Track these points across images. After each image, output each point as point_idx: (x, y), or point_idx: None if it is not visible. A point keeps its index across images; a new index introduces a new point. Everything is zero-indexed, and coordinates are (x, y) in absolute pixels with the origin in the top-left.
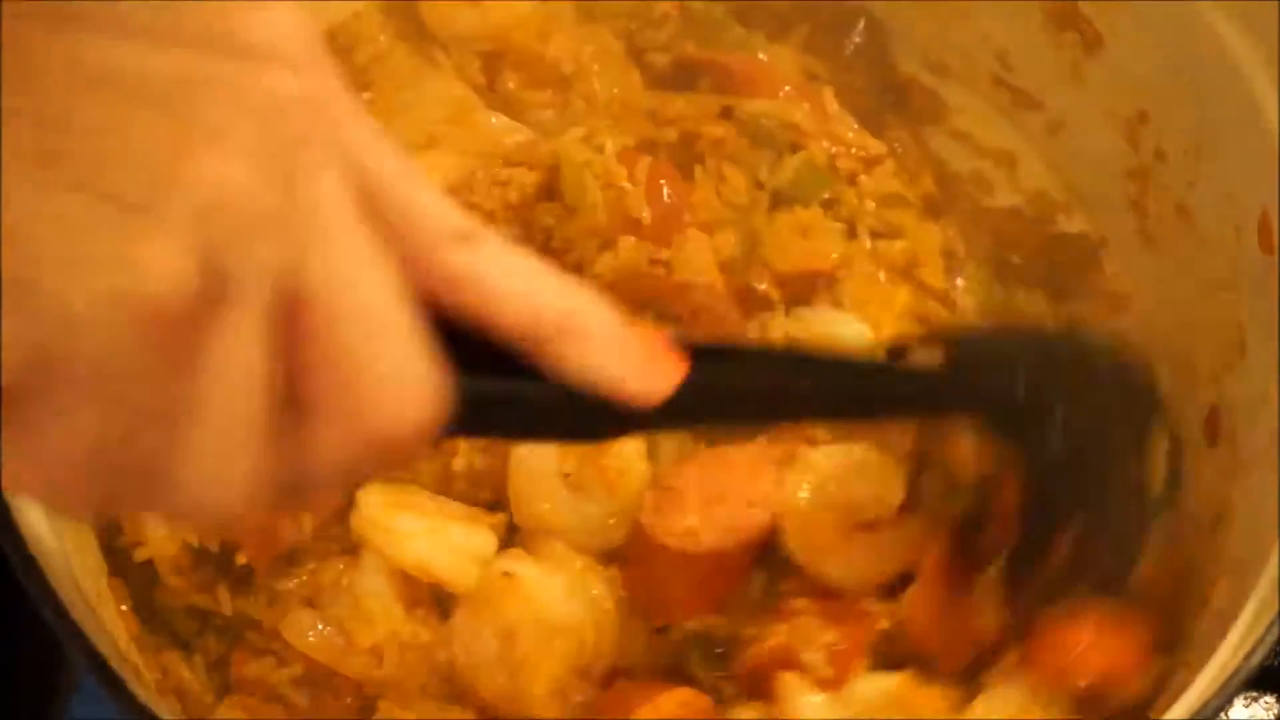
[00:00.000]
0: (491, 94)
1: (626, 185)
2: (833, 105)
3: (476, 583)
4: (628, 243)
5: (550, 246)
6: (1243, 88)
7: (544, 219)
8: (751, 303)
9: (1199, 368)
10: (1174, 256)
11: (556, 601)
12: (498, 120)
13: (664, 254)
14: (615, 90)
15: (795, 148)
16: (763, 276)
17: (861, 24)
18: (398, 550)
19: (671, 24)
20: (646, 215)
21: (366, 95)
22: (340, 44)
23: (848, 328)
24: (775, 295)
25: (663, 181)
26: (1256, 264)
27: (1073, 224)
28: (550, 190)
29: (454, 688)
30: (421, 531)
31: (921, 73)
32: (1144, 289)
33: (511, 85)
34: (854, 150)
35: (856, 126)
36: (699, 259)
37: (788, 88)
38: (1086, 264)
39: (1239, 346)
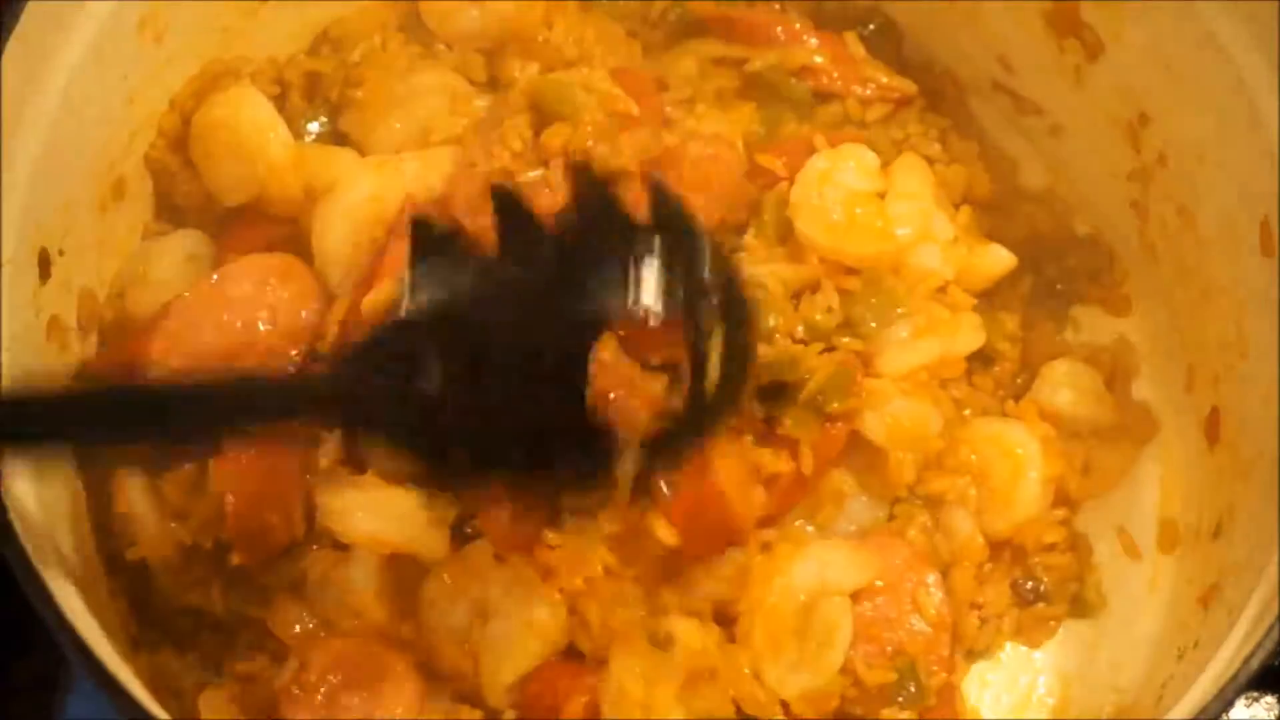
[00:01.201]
0: (492, 87)
1: (609, 87)
2: (859, 50)
3: (446, 547)
4: (632, 135)
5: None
6: (1244, 92)
7: (552, 143)
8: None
9: (1200, 370)
10: (1175, 259)
11: (540, 598)
12: (489, 103)
13: (670, 138)
14: (616, 67)
15: (818, 95)
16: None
17: (873, 25)
18: (345, 527)
19: (667, 26)
20: (634, 107)
21: (359, 91)
22: (335, 40)
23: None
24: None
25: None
26: (1257, 267)
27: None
28: (546, 118)
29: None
30: (365, 503)
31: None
32: (1145, 291)
33: (516, 73)
34: (888, 91)
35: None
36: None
37: (814, 40)
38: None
39: (1240, 349)
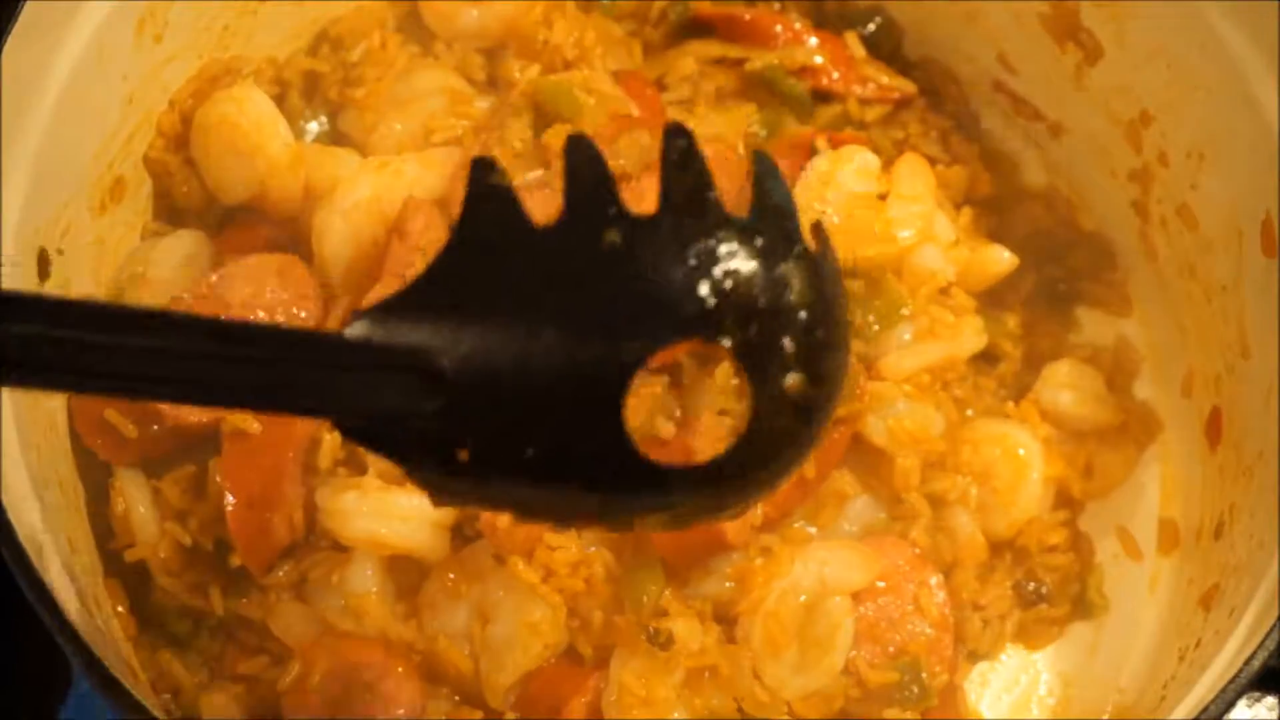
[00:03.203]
0: (491, 87)
1: (609, 88)
2: (859, 50)
3: (446, 548)
4: (632, 137)
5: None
6: (1244, 91)
7: (553, 144)
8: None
9: (1201, 370)
10: (1176, 259)
11: (540, 599)
12: (490, 104)
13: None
14: (617, 69)
15: (818, 95)
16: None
17: (873, 25)
18: (346, 529)
19: (667, 26)
20: (635, 109)
21: (360, 92)
22: (335, 40)
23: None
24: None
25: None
26: (1258, 266)
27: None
28: (547, 119)
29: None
30: (366, 504)
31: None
32: (1146, 291)
33: (515, 74)
34: (888, 91)
35: (885, 68)
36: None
37: (814, 40)
38: (1100, 266)
39: (1241, 348)
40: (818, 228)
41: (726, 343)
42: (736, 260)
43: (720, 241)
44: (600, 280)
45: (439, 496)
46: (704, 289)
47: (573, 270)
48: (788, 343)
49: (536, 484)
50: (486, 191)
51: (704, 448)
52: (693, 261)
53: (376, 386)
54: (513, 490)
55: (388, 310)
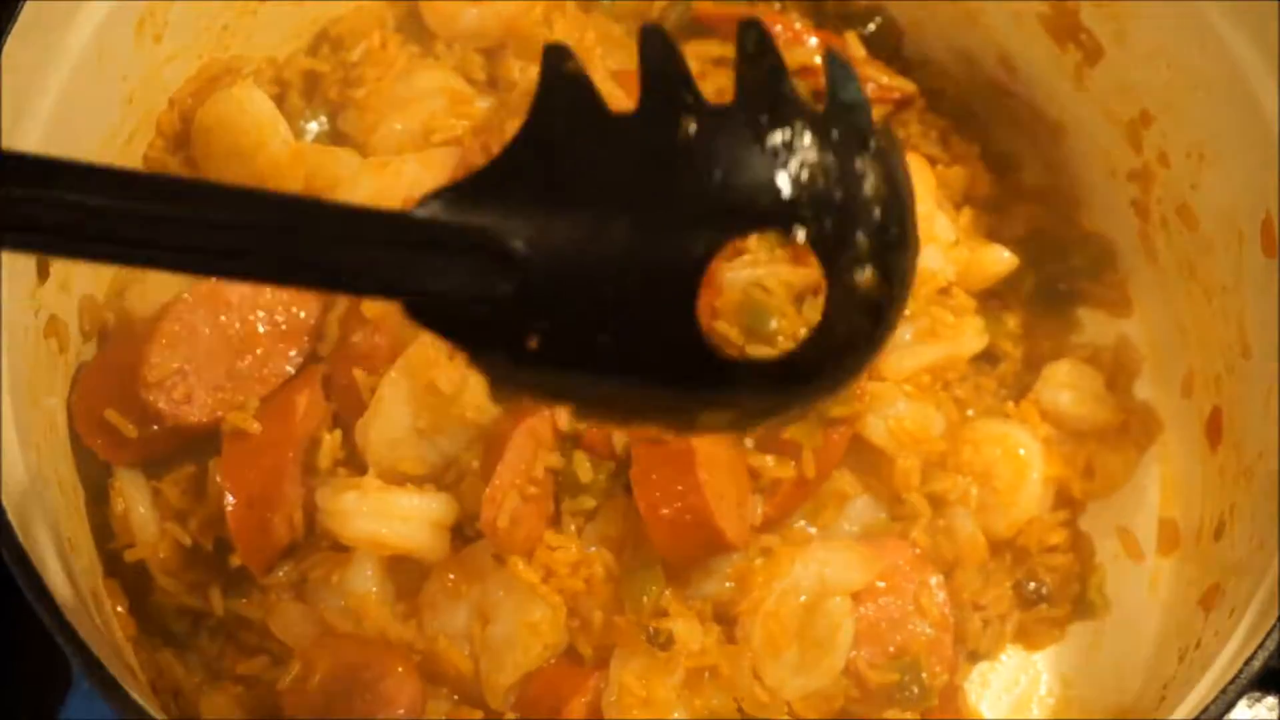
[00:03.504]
0: (491, 87)
1: (610, 88)
2: (859, 50)
3: (446, 549)
4: None
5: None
6: (1245, 91)
7: None
8: None
9: (1201, 370)
10: (1176, 258)
11: (540, 600)
12: (490, 104)
13: None
14: (617, 69)
15: (818, 95)
16: None
17: (873, 25)
18: (346, 529)
19: (667, 26)
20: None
21: (360, 92)
22: (335, 39)
23: None
24: None
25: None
26: (1258, 266)
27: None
28: None
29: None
30: (366, 505)
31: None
32: (1146, 291)
33: (515, 74)
34: (888, 91)
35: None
36: None
37: (814, 40)
38: (1101, 265)
39: (1241, 348)
40: (886, 130)
41: (801, 234)
42: (813, 152)
43: (797, 133)
44: (677, 169)
45: (503, 387)
46: (781, 179)
47: (649, 159)
48: (862, 237)
49: (604, 374)
50: (561, 78)
51: (704, 445)
52: (769, 152)
53: (446, 267)
54: (579, 381)
55: (458, 192)
